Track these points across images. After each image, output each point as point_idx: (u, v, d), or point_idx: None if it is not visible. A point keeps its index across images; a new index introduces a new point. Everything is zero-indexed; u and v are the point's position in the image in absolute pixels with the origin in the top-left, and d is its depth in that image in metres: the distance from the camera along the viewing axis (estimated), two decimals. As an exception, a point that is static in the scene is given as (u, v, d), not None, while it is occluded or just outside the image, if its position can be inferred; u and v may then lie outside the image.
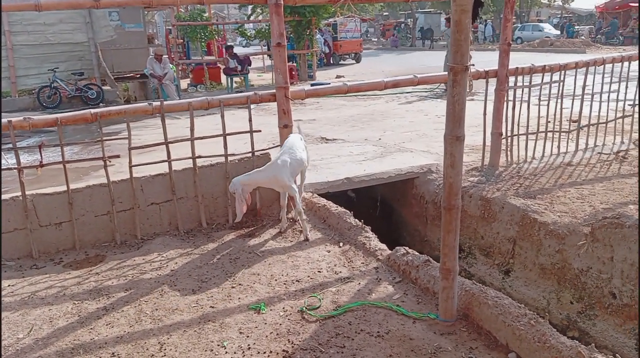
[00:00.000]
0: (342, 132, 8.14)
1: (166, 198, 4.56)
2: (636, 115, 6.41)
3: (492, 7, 43.38)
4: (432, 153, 6.40)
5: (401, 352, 2.71)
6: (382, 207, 6.35)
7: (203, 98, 4.70)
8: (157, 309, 3.27)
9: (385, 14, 55.94)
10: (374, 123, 8.92)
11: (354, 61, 26.21)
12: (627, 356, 3.48)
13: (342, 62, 25.98)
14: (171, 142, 4.50)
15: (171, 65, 13.52)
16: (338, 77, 17.74)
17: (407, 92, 12.38)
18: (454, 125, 2.92)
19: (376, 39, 46.63)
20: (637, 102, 6.16)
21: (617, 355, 2.35)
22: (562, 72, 5.85)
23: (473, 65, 3.57)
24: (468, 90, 9.71)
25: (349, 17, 27.83)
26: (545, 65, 5.82)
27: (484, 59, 12.23)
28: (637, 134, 6.29)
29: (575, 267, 3.94)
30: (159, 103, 4.45)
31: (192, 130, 4.55)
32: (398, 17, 49.25)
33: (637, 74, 6.19)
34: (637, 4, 31.93)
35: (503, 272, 4.55)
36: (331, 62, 25.40)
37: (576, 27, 35.60)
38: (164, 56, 12.65)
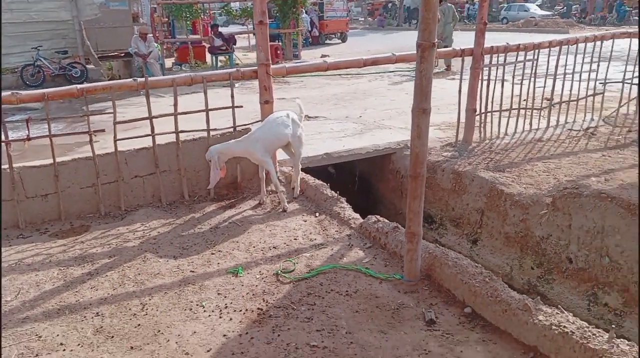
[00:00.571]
0: (325, 110, 8.29)
1: (150, 171, 4.71)
2: (606, 93, 6.66)
3: (479, -13, 43.22)
4: (409, 129, 6.56)
5: (367, 308, 2.93)
6: (360, 182, 6.56)
7: (186, 74, 4.83)
8: (139, 274, 3.46)
9: (373, -7, 55.50)
10: (356, 101, 9.07)
11: (340, 41, 26.19)
12: (579, 315, 3.74)
13: (328, 41, 25.94)
14: (155, 117, 4.63)
15: (156, 44, 13.48)
16: (323, 56, 17.73)
17: (390, 72, 12.51)
18: (420, 99, 3.13)
19: (363, 19, 46.34)
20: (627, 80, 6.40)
21: (559, 306, 2.58)
22: (536, 51, 6.04)
23: (439, 41, 3.72)
24: (446, 69, 9.93)
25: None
26: (519, 44, 6.00)
27: (471, 39, 12.35)
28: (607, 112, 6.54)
29: (537, 234, 4.18)
30: (143, 79, 4.57)
31: (175, 105, 4.68)
32: (386, -3, 48.92)
33: (609, 53, 6.41)
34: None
35: (471, 242, 4.79)
36: (318, 41, 25.34)
37: (557, 6, 35.55)
38: (148, 35, 12.61)
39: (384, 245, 3.60)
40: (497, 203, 4.53)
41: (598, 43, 6.39)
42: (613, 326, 2.37)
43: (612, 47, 6.48)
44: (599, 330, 2.36)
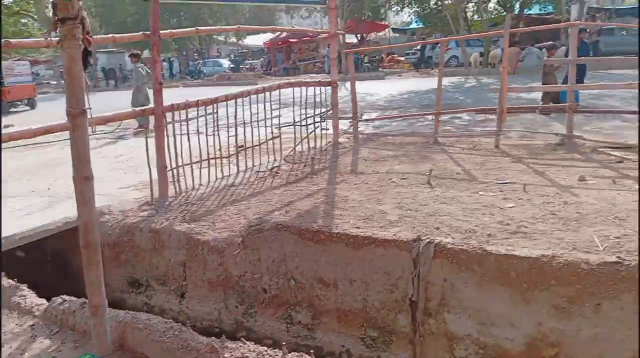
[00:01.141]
0: (4, 188, 7.29)
1: None
2: (283, 136, 7.62)
3: (175, 45, 45.17)
4: (105, 194, 6.30)
5: (52, 403, 2.63)
6: (56, 259, 5.94)
7: None
8: None
9: (64, 54, 52.11)
10: (44, 172, 8.27)
11: (28, 107, 23.74)
12: (281, 338, 4.11)
13: (13, 109, 23.23)
14: None
15: None
16: (7, 126, 15.76)
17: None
18: (80, 166, 3.05)
19: (56, 82, 43.02)
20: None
21: (242, 339, 2.78)
22: (215, 104, 6.54)
23: (90, 108, 3.70)
24: (145, 128, 9.79)
25: (17, 60, 25.27)
26: (198, 100, 6.40)
27: (171, 95, 12.66)
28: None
29: (235, 274, 4.45)
30: None
31: None
32: (79, 58, 46.50)
33: (291, 99, 7.42)
34: (295, 40, 37.95)
35: (179, 296, 4.81)
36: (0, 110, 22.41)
37: (247, 61, 43.42)
38: None
39: (73, 326, 3.32)
40: (196, 252, 4.67)
41: (267, 93, 7.32)
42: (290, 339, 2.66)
43: (280, 95, 7.48)
44: (275, 350, 2.62)
